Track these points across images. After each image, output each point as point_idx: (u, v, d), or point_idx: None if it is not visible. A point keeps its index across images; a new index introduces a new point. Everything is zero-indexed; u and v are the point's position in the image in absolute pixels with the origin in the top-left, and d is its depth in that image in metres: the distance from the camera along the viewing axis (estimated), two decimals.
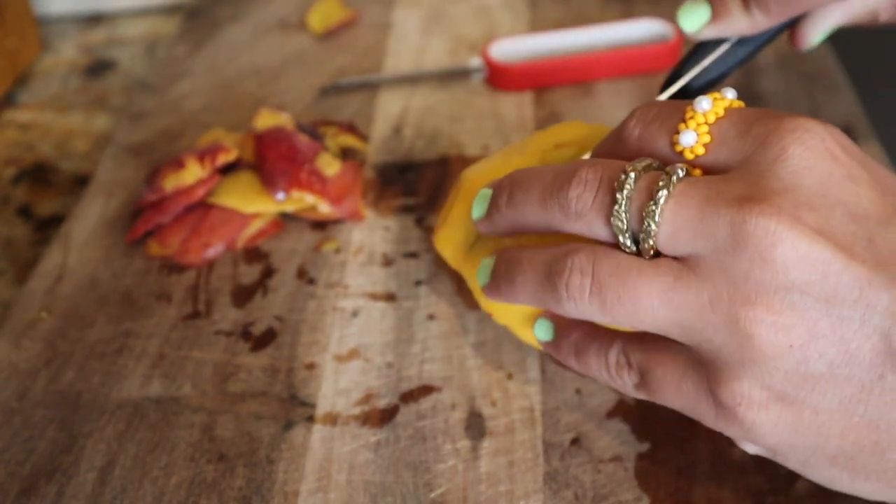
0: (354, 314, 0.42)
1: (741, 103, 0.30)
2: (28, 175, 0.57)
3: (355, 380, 0.39)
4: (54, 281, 0.45)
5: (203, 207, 0.47)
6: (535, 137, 0.40)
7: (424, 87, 0.59)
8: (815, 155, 0.27)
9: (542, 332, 0.35)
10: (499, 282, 0.33)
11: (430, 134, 0.54)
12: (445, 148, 0.53)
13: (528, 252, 0.32)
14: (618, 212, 0.28)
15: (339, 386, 0.39)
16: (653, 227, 0.28)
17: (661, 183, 0.28)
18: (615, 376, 0.32)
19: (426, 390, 0.39)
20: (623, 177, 0.28)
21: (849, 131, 0.52)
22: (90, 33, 0.71)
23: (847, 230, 0.26)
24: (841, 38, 0.53)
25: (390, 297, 0.43)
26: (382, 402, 0.38)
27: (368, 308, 0.43)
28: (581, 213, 0.30)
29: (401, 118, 0.56)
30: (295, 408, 0.38)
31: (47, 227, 0.53)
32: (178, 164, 0.47)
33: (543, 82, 0.58)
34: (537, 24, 0.65)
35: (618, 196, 0.28)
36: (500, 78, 0.58)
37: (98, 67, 0.67)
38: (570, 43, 0.59)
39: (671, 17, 0.63)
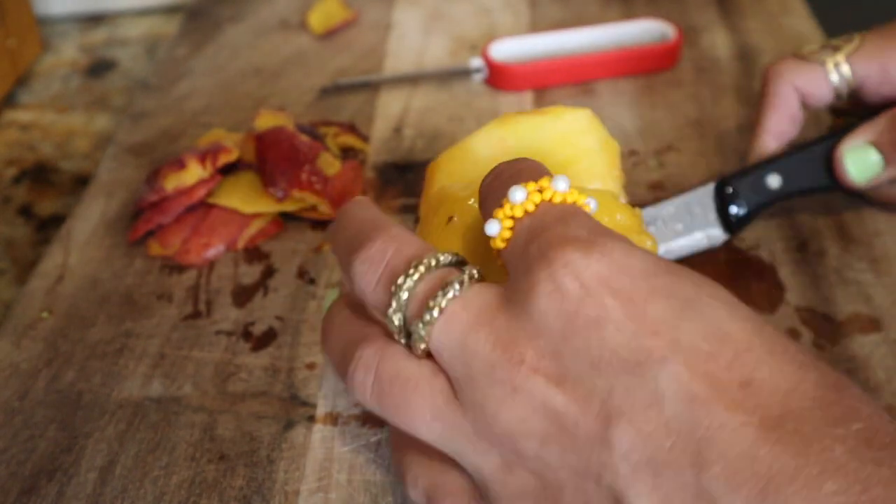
0: None
1: (577, 198, 0.28)
2: (29, 175, 0.57)
3: None
4: (55, 281, 0.45)
5: (204, 207, 0.47)
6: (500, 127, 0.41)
7: (425, 87, 0.59)
8: (562, 296, 0.25)
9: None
10: (323, 329, 0.33)
11: (430, 134, 0.54)
12: (446, 148, 0.53)
13: (341, 317, 0.31)
14: (391, 315, 0.28)
15: (339, 386, 0.39)
16: (420, 343, 0.27)
17: (432, 302, 0.26)
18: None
19: None
20: (402, 279, 0.27)
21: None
22: (91, 33, 0.71)
23: (588, 382, 0.24)
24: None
25: None
26: None
27: None
28: (364, 293, 0.29)
29: (401, 118, 0.56)
30: (295, 407, 0.38)
31: (48, 227, 0.53)
32: (179, 165, 0.47)
33: (543, 82, 0.58)
34: (537, 25, 0.65)
35: (392, 301, 0.27)
36: (500, 78, 0.58)
37: (99, 67, 0.67)
38: (571, 43, 0.60)
39: (671, 17, 0.63)
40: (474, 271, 0.27)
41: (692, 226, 0.44)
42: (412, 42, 0.64)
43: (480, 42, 0.63)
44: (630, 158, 0.51)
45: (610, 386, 0.24)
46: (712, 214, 0.43)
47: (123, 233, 0.48)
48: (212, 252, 0.46)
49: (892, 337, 0.39)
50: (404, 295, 0.27)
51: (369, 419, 0.38)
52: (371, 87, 0.59)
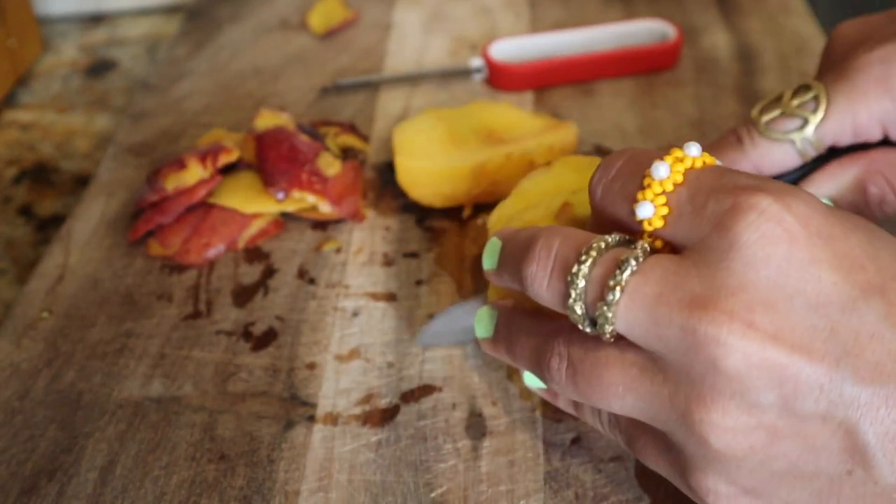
0: (355, 314, 0.43)
1: (706, 158, 0.28)
2: (29, 175, 0.57)
3: (356, 379, 0.39)
4: (55, 281, 0.45)
5: (204, 207, 0.47)
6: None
7: (425, 87, 0.59)
8: (770, 241, 0.25)
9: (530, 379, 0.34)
10: (499, 344, 0.34)
11: None
12: None
13: (525, 323, 0.32)
14: (571, 305, 0.28)
15: (339, 386, 0.39)
16: (607, 326, 0.27)
17: (612, 282, 0.26)
18: (611, 432, 0.32)
19: (427, 390, 0.39)
20: (576, 267, 0.27)
21: None
22: (91, 33, 0.71)
23: (806, 324, 0.25)
24: None
25: (391, 297, 0.43)
26: (383, 402, 0.38)
27: (369, 308, 0.43)
28: (538, 294, 0.29)
29: (401, 118, 0.56)
30: (296, 407, 0.38)
31: (48, 227, 0.53)
32: (180, 165, 0.47)
33: (544, 82, 0.58)
34: (538, 25, 0.65)
35: (570, 291, 0.27)
36: (500, 78, 0.58)
37: (99, 67, 0.67)
38: (571, 43, 0.60)
39: (671, 17, 0.63)
40: (646, 245, 0.27)
41: None
42: (412, 42, 0.64)
43: (480, 42, 0.63)
44: None
45: (830, 325, 0.25)
46: None
47: (123, 233, 0.48)
48: (212, 252, 0.46)
49: None
50: (581, 282, 0.27)
51: (369, 419, 0.38)
52: (371, 87, 0.59)
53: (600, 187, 0.30)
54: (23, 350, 0.42)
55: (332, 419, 0.38)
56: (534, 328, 0.32)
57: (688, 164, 0.28)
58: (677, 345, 0.25)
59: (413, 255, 0.46)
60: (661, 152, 0.29)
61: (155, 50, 0.68)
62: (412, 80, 0.59)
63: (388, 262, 0.45)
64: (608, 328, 0.27)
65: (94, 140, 0.60)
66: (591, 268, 0.27)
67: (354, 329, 0.42)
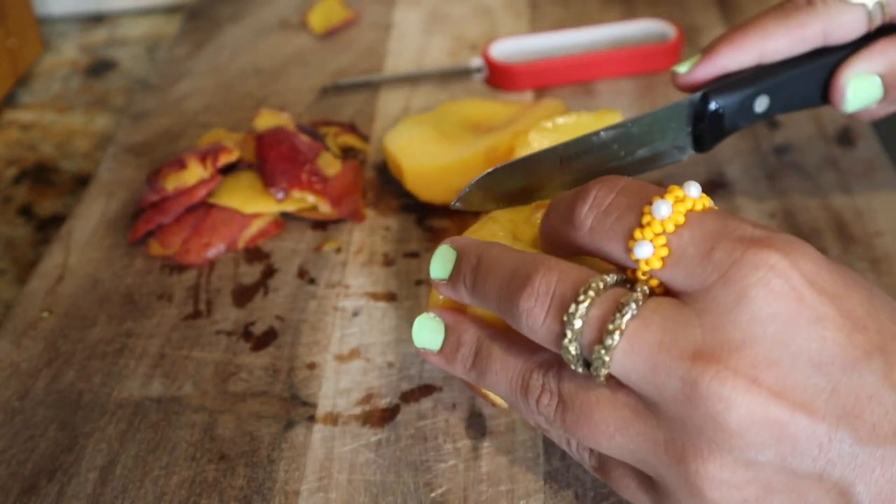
0: (355, 314, 0.43)
1: (707, 201, 0.27)
2: (29, 175, 0.57)
3: (356, 379, 0.39)
4: (55, 281, 0.45)
5: (204, 207, 0.47)
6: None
7: (425, 87, 0.59)
8: (778, 299, 0.25)
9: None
10: (468, 366, 0.32)
11: None
12: None
13: (498, 351, 0.31)
14: (566, 345, 0.27)
15: (339, 386, 0.39)
16: (602, 370, 0.26)
17: (611, 325, 0.26)
18: (577, 454, 0.31)
19: (427, 390, 0.39)
20: (574, 307, 0.26)
21: (848, 132, 0.52)
22: (91, 33, 0.71)
23: (809, 383, 0.24)
24: None
25: (391, 297, 0.43)
26: (383, 402, 0.38)
27: (369, 308, 0.43)
28: (531, 329, 0.28)
29: (401, 118, 0.56)
30: (296, 407, 0.38)
31: (48, 227, 0.53)
32: (180, 165, 0.47)
33: (544, 82, 0.58)
34: (538, 25, 0.65)
35: (566, 331, 0.27)
36: (500, 78, 0.58)
37: (99, 67, 0.67)
38: (571, 43, 0.60)
39: (671, 17, 0.63)
40: (646, 287, 0.26)
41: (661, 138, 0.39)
42: (412, 42, 0.64)
43: (480, 42, 0.63)
44: None
45: (832, 385, 0.24)
46: (685, 129, 0.39)
47: (124, 233, 0.48)
48: (212, 252, 0.46)
49: None
50: (578, 322, 0.26)
51: (369, 419, 0.38)
52: (371, 87, 0.59)
53: (590, 220, 0.28)
54: (23, 350, 0.42)
55: (333, 419, 0.38)
56: (510, 356, 0.31)
57: (688, 204, 0.27)
58: (676, 395, 0.25)
59: (413, 255, 0.46)
60: (657, 188, 0.28)
61: (155, 50, 0.68)
62: (412, 80, 0.59)
63: (388, 261, 0.45)
64: (603, 371, 0.26)
65: (94, 140, 0.60)
66: (589, 308, 0.26)
67: (354, 329, 0.42)
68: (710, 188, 0.49)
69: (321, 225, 0.48)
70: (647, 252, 0.26)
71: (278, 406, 0.38)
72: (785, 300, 0.25)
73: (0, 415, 0.39)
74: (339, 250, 0.46)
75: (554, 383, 0.29)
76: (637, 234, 0.27)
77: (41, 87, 0.65)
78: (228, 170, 0.48)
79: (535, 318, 0.28)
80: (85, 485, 0.36)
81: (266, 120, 0.51)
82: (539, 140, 0.43)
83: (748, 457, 0.25)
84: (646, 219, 0.27)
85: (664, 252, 0.26)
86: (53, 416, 0.39)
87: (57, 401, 0.39)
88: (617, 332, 0.26)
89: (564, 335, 0.27)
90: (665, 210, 0.26)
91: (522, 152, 0.42)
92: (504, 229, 0.36)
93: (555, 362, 0.29)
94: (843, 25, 0.38)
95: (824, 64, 0.40)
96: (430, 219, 0.48)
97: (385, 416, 0.38)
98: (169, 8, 0.73)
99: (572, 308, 0.27)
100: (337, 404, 0.38)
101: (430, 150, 0.48)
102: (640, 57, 0.58)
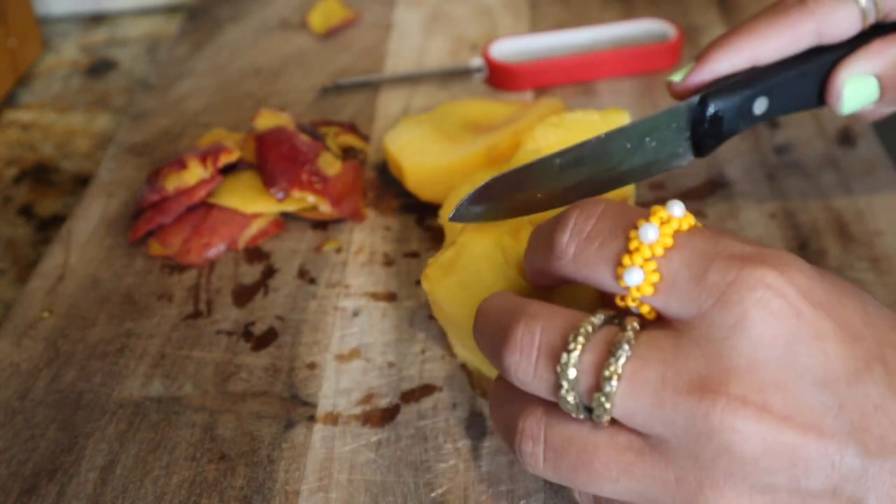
0: (355, 314, 0.43)
1: (691, 219, 0.27)
2: (29, 175, 0.57)
3: (356, 379, 0.39)
4: (56, 281, 0.45)
5: (204, 207, 0.47)
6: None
7: (425, 87, 0.59)
8: (779, 319, 0.24)
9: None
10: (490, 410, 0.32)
11: None
12: None
13: (501, 390, 0.30)
14: (564, 395, 0.26)
15: (340, 385, 0.39)
16: (604, 416, 0.26)
17: (607, 371, 0.25)
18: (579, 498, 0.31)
19: (427, 390, 0.39)
20: (565, 357, 0.26)
21: (848, 132, 0.52)
22: (91, 33, 0.71)
23: (816, 403, 0.24)
24: None
25: (391, 297, 0.43)
26: (383, 402, 0.38)
27: (369, 308, 0.43)
28: (525, 383, 0.27)
29: (401, 118, 0.56)
30: (296, 407, 0.38)
31: (49, 227, 0.53)
32: (180, 165, 0.47)
33: (544, 82, 0.58)
34: (538, 24, 0.65)
35: (562, 382, 0.26)
36: (500, 78, 0.58)
37: (99, 67, 0.67)
38: (571, 43, 0.60)
39: (671, 17, 0.63)
40: (635, 323, 0.26)
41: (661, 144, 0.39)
42: (412, 42, 0.64)
43: (481, 42, 0.63)
44: None
45: (839, 401, 0.24)
46: (684, 134, 0.39)
47: (124, 233, 0.48)
48: (212, 252, 0.46)
49: None
50: (572, 372, 0.26)
51: (370, 419, 0.38)
52: (371, 87, 0.59)
53: (572, 248, 0.27)
54: (23, 350, 0.42)
55: (333, 419, 0.38)
56: (507, 397, 0.30)
57: (674, 225, 0.26)
58: (687, 430, 0.25)
59: (413, 254, 0.46)
60: (640, 209, 0.27)
61: (155, 50, 0.68)
62: (412, 80, 0.59)
63: (388, 261, 0.45)
64: (606, 417, 0.26)
65: (95, 140, 0.60)
66: (580, 356, 0.26)
67: (355, 329, 0.42)
68: (710, 188, 0.49)
69: (321, 225, 0.48)
70: (637, 279, 0.26)
71: (278, 406, 0.38)
72: (785, 319, 0.24)
73: (0, 415, 0.39)
74: (339, 250, 0.46)
75: (539, 430, 0.27)
76: (626, 260, 0.26)
77: (41, 87, 0.65)
78: (229, 170, 0.48)
79: (523, 371, 0.27)
80: (85, 485, 0.36)
81: (266, 120, 0.51)
82: (545, 135, 0.43)
83: (764, 482, 0.25)
84: (633, 244, 0.26)
85: (655, 277, 0.26)
86: (53, 416, 0.39)
87: (57, 401, 0.39)
88: (615, 378, 0.25)
89: (560, 386, 0.26)
90: (652, 234, 0.26)
91: (527, 147, 0.43)
92: (489, 241, 0.36)
93: (541, 406, 0.28)
94: (837, 23, 0.38)
95: (820, 64, 0.39)
96: (430, 219, 0.48)
97: (385, 416, 0.38)
98: (169, 8, 0.73)
99: (564, 357, 0.26)
100: (337, 404, 0.38)
101: (431, 150, 0.48)
102: (640, 57, 0.58)
